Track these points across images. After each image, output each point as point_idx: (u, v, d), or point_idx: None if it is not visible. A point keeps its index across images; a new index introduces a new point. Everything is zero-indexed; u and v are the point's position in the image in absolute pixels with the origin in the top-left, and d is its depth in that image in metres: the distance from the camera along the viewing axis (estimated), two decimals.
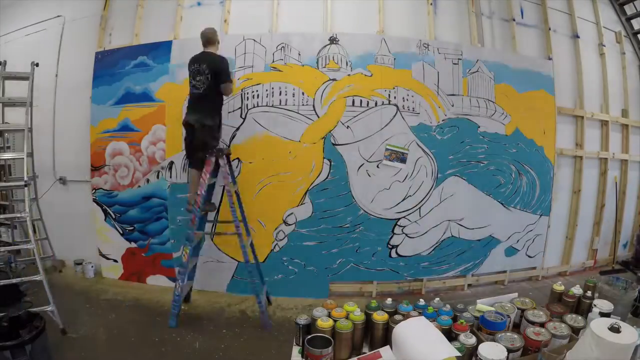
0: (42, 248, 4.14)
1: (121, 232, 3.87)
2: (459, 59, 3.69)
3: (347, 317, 1.38)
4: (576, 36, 4.08)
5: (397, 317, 1.36)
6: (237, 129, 3.53)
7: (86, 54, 3.79)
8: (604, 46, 4.18)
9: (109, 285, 3.82)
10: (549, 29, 3.95)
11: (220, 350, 2.76)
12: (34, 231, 4.02)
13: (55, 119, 3.97)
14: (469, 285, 3.91)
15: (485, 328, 1.32)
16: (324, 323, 1.29)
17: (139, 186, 3.77)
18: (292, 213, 3.56)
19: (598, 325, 1.04)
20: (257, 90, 3.52)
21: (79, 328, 2.99)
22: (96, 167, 3.86)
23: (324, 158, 3.51)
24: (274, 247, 3.60)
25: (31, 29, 3.99)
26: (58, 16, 3.90)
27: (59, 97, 3.95)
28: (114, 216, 3.87)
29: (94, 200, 3.89)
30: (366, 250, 3.62)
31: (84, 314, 3.24)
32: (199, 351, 2.76)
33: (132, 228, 3.83)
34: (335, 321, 1.32)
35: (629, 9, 4.34)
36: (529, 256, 4.03)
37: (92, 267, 3.92)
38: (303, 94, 3.48)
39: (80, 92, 3.81)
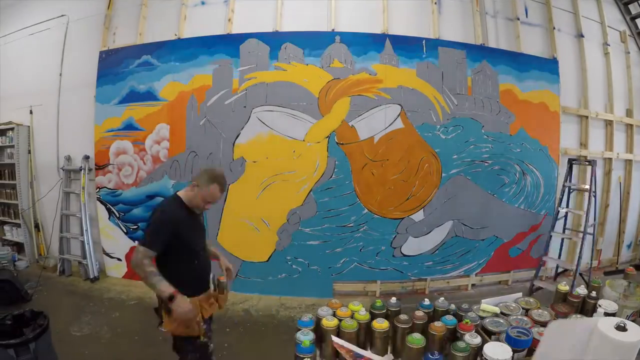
0: (45, 246, 4.17)
1: (125, 230, 3.87)
2: (463, 58, 3.68)
3: (352, 317, 1.37)
4: (581, 35, 4.07)
5: (402, 316, 1.36)
6: (242, 128, 3.53)
7: (90, 53, 3.81)
8: (609, 45, 4.17)
9: (113, 283, 3.83)
10: (554, 28, 3.93)
11: (223, 349, 2.75)
12: (39, 230, 4.07)
13: (59, 118, 3.98)
14: (473, 285, 3.90)
15: (511, 346, 1.20)
16: (329, 322, 1.29)
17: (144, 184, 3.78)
18: (295, 212, 3.56)
19: (604, 324, 1.04)
20: (261, 89, 3.52)
21: (82, 326, 3.00)
22: (100, 166, 3.86)
23: (328, 157, 3.51)
24: (278, 246, 3.60)
25: (35, 29, 4.01)
26: (62, 15, 3.92)
27: (63, 96, 3.95)
28: (118, 215, 3.88)
29: (98, 199, 3.90)
30: (370, 250, 3.62)
31: (88, 312, 3.24)
32: None
33: (136, 227, 3.84)
34: (340, 320, 1.32)
35: (634, 9, 4.32)
36: (533, 256, 4.02)
37: (96, 265, 3.91)
38: (308, 93, 3.48)
39: (85, 91, 3.82)
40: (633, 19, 4.28)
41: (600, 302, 1.46)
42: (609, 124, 4.21)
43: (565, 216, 3.89)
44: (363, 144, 3.52)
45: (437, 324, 1.29)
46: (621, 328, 1.00)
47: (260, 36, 3.51)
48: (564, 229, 3.96)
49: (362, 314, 1.35)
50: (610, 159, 4.23)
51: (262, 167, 3.54)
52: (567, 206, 3.81)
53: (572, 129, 4.06)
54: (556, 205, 3.99)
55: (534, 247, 4.00)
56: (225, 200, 3.58)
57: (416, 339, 1.21)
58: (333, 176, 3.52)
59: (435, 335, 1.26)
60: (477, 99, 3.71)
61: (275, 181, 3.54)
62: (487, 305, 1.48)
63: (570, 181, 3.75)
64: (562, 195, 3.76)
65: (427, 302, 1.48)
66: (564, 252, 4.17)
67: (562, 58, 3.96)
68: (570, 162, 3.71)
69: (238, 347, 2.80)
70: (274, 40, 3.50)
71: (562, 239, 4.00)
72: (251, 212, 3.59)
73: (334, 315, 1.38)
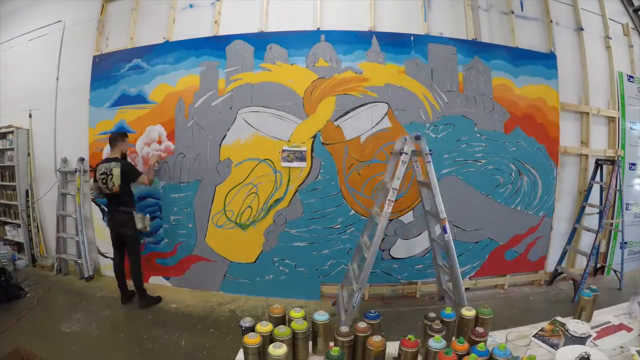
0: (45, 246, 4.29)
1: None
2: (454, 54, 3.58)
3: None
4: (580, 29, 3.89)
5: (343, 329, 1.22)
6: (228, 129, 3.55)
7: (85, 58, 3.89)
8: (610, 39, 3.96)
9: (107, 282, 3.91)
10: (551, 21, 3.77)
11: (204, 349, 2.76)
12: (38, 230, 4.19)
13: (56, 121, 4.10)
14: (467, 289, 3.75)
15: None
16: (263, 328, 1.25)
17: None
18: (282, 213, 3.54)
19: (565, 354, 0.94)
20: (247, 90, 3.52)
21: (72, 323, 3.08)
22: (94, 168, 3.94)
23: (313, 158, 3.47)
24: (265, 247, 3.59)
25: (34, 34, 4.15)
26: (58, 21, 4.04)
27: (59, 99, 4.07)
28: None
29: (93, 200, 3.99)
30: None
31: (80, 310, 3.32)
32: (183, 349, 2.78)
33: None
34: (275, 327, 1.27)
35: (637, 0, 4.09)
36: (531, 259, 3.86)
37: (91, 264, 4.00)
38: (292, 93, 3.46)
39: (80, 94, 3.91)
40: (636, 11, 4.05)
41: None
42: (611, 120, 4.01)
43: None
44: (349, 144, 3.47)
45: (376, 338, 1.19)
46: None
47: (246, 37, 3.52)
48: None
49: (299, 324, 1.27)
50: (612, 157, 4.02)
51: (248, 168, 3.54)
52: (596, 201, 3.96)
53: (572, 126, 3.89)
54: (555, 206, 3.85)
55: (532, 249, 3.84)
56: (212, 202, 3.61)
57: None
58: (319, 177, 3.48)
59: (372, 351, 1.17)
60: (469, 96, 3.60)
61: (261, 182, 3.54)
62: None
63: (601, 180, 3.90)
64: (589, 192, 3.93)
65: (373, 312, 1.36)
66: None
67: (561, 52, 3.79)
68: (598, 163, 3.88)
69: (219, 347, 2.80)
70: (259, 41, 3.50)
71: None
72: (237, 213, 3.59)
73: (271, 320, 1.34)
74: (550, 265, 3.93)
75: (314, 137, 3.46)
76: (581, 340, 1.22)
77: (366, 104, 3.46)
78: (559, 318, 1.51)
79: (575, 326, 1.25)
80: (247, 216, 3.59)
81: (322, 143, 3.46)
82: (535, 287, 3.90)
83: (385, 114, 3.48)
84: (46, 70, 4.06)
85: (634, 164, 4.23)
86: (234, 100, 3.52)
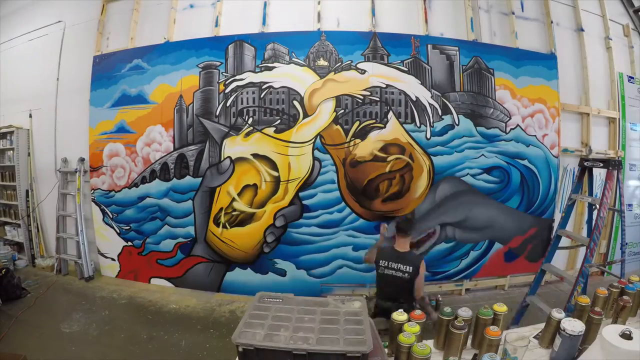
0: (45, 246, 4.29)
1: (118, 231, 3.94)
2: (454, 54, 3.58)
3: None
4: (581, 29, 3.89)
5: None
6: (228, 129, 3.55)
7: (85, 58, 3.90)
8: (611, 40, 3.97)
9: (106, 283, 3.91)
10: (551, 22, 3.77)
11: (204, 350, 2.76)
12: (38, 230, 4.19)
13: (57, 121, 4.09)
14: (467, 290, 3.77)
15: None
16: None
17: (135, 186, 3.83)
18: (282, 214, 3.54)
19: (609, 332, 1.02)
20: (248, 90, 3.52)
21: (73, 324, 3.07)
22: (94, 168, 3.95)
23: (313, 158, 3.47)
24: (265, 248, 3.59)
25: (34, 35, 4.15)
26: (59, 22, 4.04)
27: (60, 100, 4.07)
28: (111, 216, 3.95)
29: (93, 200, 3.99)
30: (358, 253, 3.55)
31: (80, 310, 3.31)
32: (183, 350, 2.77)
33: (128, 227, 3.90)
34: None
35: (637, 1, 4.10)
36: (531, 260, 3.85)
37: (91, 265, 3.99)
38: (293, 93, 3.46)
39: (80, 95, 3.91)
40: (636, 11, 4.06)
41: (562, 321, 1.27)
42: (612, 121, 4.01)
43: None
44: (349, 145, 3.46)
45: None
46: (627, 336, 0.98)
47: (247, 37, 3.52)
48: None
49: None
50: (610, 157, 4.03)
51: (249, 168, 3.54)
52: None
53: (573, 126, 3.89)
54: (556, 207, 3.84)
55: (533, 250, 3.83)
56: (212, 202, 3.60)
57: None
58: (319, 177, 3.48)
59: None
60: (470, 97, 3.60)
61: (262, 182, 3.53)
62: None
63: (589, 192, 2.57)
64: (568, 214, 2.73)
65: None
66: (564, 256, 4.00)
67: (561, 53, 3.80)
68: (584, 166, 2.30)
69: (218, 348, 2.80)
70: (260, 41, 3.51)
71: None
72: (238, 213, 3.59)
73: None
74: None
75: (315, 137, 3.46)
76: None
77: (366, 104, 3.46)
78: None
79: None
80: (248, 216, 3.58)
81: (323, 144, 3.46)
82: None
83: (386, 114, 3.48)
84: (46, 70, 4.07)
85: (634, 165, 4.22)
86: (234, 100, 3.52)
